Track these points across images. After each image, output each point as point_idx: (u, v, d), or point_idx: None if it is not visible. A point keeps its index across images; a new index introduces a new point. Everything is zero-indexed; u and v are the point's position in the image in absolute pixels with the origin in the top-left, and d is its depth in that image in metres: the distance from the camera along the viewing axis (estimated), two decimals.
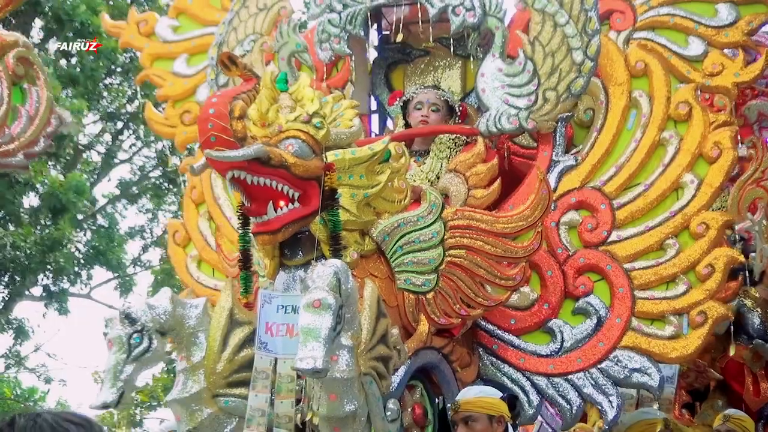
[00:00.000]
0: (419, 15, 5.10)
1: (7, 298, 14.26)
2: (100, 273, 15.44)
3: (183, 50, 6.02)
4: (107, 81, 15.29)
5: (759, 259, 5.44)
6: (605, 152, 4.90)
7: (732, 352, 5.42)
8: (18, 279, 13.82)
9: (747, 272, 5.24)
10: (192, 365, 3.88)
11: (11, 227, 13.58)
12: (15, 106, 5.22)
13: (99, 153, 16.08)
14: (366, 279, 4.01)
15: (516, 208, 4.58)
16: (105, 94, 15.40)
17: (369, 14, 5.21)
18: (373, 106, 5.76)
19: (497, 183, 4.84)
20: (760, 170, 5.30)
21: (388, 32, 5.64)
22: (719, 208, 5.20)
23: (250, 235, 4.12)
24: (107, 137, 15.95)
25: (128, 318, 3.76)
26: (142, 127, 15.02)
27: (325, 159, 4.05)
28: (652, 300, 4.68)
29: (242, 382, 3.84)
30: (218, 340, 3.87)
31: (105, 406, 3.70)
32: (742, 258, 4.83)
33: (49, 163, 14.35)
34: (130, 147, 16.19)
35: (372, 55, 5.71)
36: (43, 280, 14.30)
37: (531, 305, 4.77)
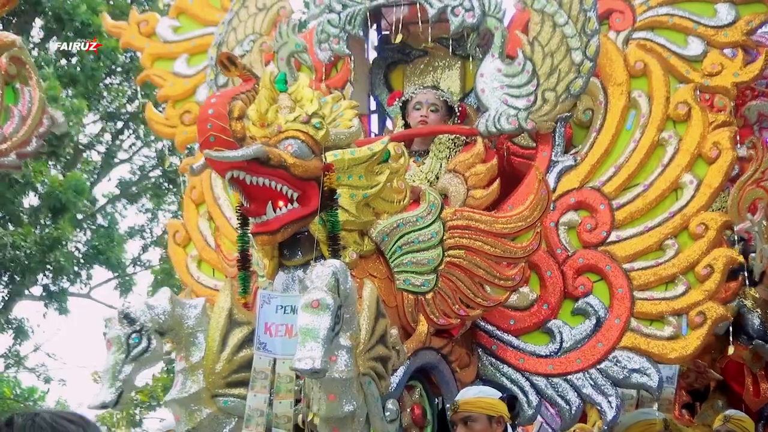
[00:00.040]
0: (418, 15, 5.09)
1: (6, 298, 14.27)
2: (99, 273, 15.47)
3: (183, 50, 6.02)
4: (107, 81, 15.30)
5: (759, 260, 5.43)
6: (604, 152, 4.90)
7: (731, 351, 5.42)
8: (18, 278, 13.82)
9: (747, 273, 5.24)
10: (191, 365, 3.88)
11: (11, 227, 13.58)
12: (7, 106, 5.22)
13: (99, 153, 16.09)
14: (365, 279, 4.01)
15: (515, 209, 4.58)
16: (105, 94, 15.40)
17: (368, 14, 5.20)
18: (373, 106, 5.75)
19: (496, 183, 4.84)
20: (760, 171, 5.29)
21: (387, 32, 5.63)
22: (719, 209, 5.20)
23: (249, 235, 4.13)
24: (107, 137, 15.96)
25: (127, 318, 3.77)
26: (142, 126, 15.02)
27: (324, 159, 4.05)
28: (651, 300, 4.68)
29: (241, 382, 3.84)
30: (217, 341, 3.87)
31: (104, 406, 3.71)
32: (741, 258, 4.83)
33: (49, 162, 14.36)
34: (130, 147, 16.20)
35: (371, 55, 5.71)
36: (42, 279, 14.31)
37: (530, 306, 4.77)
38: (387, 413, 3.92)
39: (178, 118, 5.86)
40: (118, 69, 15.04)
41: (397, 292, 4.36)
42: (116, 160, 16.10)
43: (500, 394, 4.29)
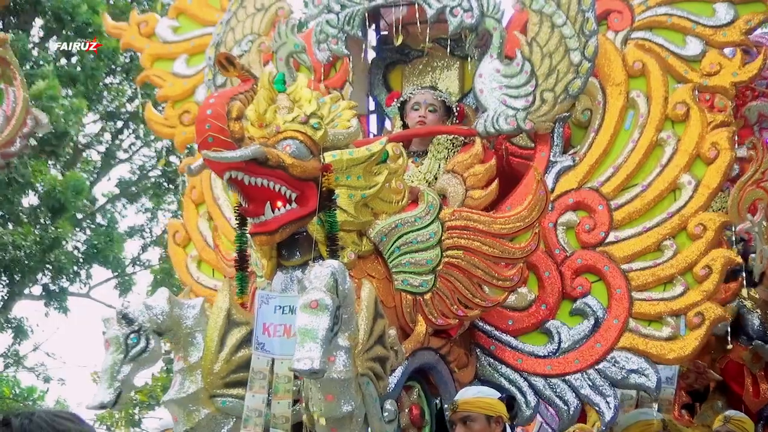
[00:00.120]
0: (417, 16, 5.10)
1: (6, 297, 14.26)
2: (99, 272, 15.46)
3: (183, 51, 6.02)
4: (107, 81, 15.29)
5: (759, 261, 5.44)
6: (603, 153, 4.90)
7: (729, 347, 5.42)
8: (17, 278, 13.82)
9: (747, 273, 5.24)
10: (189, 365, 3.88)
11: (10, 226, 13.57)
12: None
13: (99, 152, 16.09)
14: (363, 280, 4.00)
15: (513, 209, 4.58)
16: (105, 93, 15.40)
17: (367, 15, 5.21)
18: (371, 106, 5.76)
19: (495, 184, 4.84)
20: (760, 171, 5.29)
21: (386, 33, 5.64)
22: (719, 209, 5.20)
23: (247, 235, 4.12)
24: (107, 136, 15.95)
25: (125, 318, 3.77)
26: (141, 126, 15.02)
27: (322, 160, 4.05)
28: (649, 301, 4.68)
29: (239, 382, 3.84)
30: (215, 341, 3.87)
31: (102, 407, 3.71)
32: (739, 259, 4.83)
33: (49, 162, 14.35)
34: (130, 146, 16.20)
35: (370, 55, 5.71)
36: (42, 279, 14.30)
37: (528, 306, 4.77)
38: (385, 413, 3.91)
39: (178, 118, 5.86)
40: (118, 69, 15.04)
41: (395, 293, 4.35)
42: (116, 160, 16.10)
43: (499, 395, 4.29)
